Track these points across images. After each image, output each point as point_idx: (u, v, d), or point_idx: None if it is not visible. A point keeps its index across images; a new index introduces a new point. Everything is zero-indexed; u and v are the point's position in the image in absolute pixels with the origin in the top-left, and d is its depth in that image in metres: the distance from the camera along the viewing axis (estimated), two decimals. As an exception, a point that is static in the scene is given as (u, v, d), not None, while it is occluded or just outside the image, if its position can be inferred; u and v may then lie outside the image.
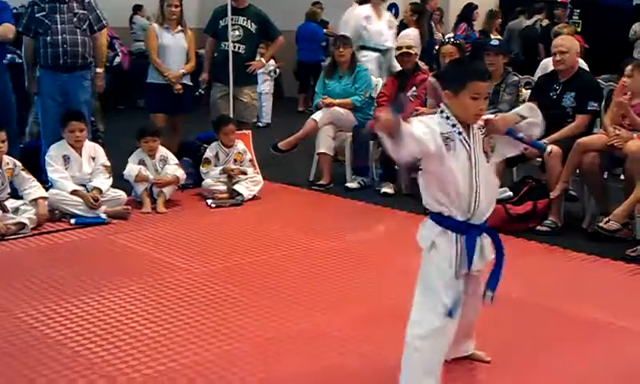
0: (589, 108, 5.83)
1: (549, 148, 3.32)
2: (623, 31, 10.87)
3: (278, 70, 11.37)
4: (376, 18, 8.12)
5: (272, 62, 10.50)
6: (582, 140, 5.60)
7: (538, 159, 5.62)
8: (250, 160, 6.76)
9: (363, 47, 7.99)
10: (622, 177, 5.61)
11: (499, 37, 10.83)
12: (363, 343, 3.61)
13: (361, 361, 3.45)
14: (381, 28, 8.11)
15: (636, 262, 4.91)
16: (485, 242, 2.95)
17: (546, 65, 7.42)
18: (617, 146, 5.45)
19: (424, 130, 2.76)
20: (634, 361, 3.50)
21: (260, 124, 9.81)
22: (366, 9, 8.13)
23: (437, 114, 2.92)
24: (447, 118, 2.87)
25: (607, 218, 5.25)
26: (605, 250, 5.10)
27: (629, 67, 5.75)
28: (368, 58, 7.89)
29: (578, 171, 5.70)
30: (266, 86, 10.86)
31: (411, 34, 8.04)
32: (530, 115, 2.90)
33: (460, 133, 2.84)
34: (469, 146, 2.84)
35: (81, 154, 6.01)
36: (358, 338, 3.68)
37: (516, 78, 6.46)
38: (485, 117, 2.92)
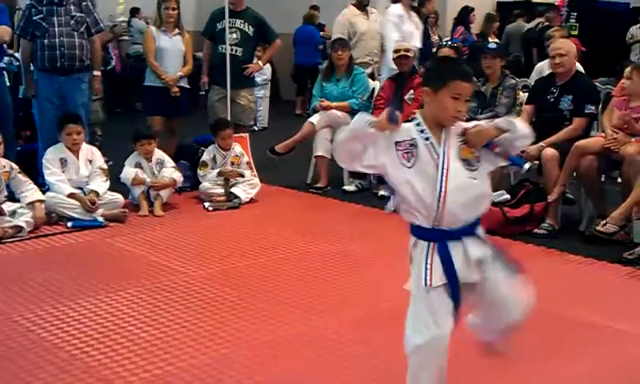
0: (586, 111, 5.83)
1: (526, 165, 3.16)
2: (620, 34, 10.89)
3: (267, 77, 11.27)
4: (408, 18, 8.04)
5: (268, 67, 10.50)
6: (579, 143, 5.60)
7: (535, 162, 5.62)
8: (248, 163, 6.76)
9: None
10: (619, 180, 5.62)
11: (497, 40, 10.86)
12: (360, 346, 3.61)
13: (358, 364, 3.45)
14: (412, 29, 8.04)
15: (633, 264, 4.91)
16: (471, 248, 2.75)
17: (541, 68, 7.43)
18: (614, 149, 5.45)
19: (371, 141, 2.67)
20: (632, 363, 3.50)
21: (255, 128, 9.78)
22: (398, 8, 8.04)
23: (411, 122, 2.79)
24: (417, 124, 2.75)
25: (604, 221, 5.26)
26: (602, 253, 5.10)
27: (628, 69, 5.75)
28: None
29: (575, 174, 5.70)
30: (261, 90, 10.85)
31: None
32: (508, 128, 2.73)
33: (427, 138, 2.71)
34: (436, 152, 2.70)
35: (78, 157, 6.00)
36: (355, 341, 3.68)
37: (513, 81, 6.47)
38: (464, 125, 2.78)
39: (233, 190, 6.45)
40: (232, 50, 7.30)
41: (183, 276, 4.63)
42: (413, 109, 6.77)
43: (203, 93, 7.69)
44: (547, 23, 10.57)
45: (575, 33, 10.07)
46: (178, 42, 7.13)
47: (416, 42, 8.00)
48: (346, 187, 7.06)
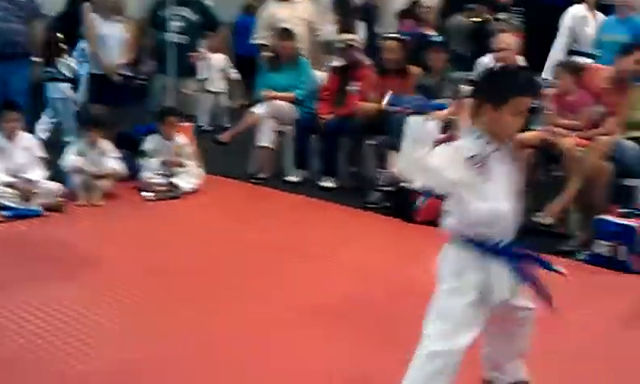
0: (527, 105, 5.91)
1: None
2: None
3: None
4: (592, 20, 7.37)
5: (223, 57, 10.38)
6: (518, 136, 5.66)
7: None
8: (191, 152, 6.69)
9: (575, 52, 7.09)
10: (558, 173, 5.71)
11: (440, 34, 10.93)
12: (300, 338, 3.60)
13: (295, 357, 3.44)
14: (593, 32, 7.25)
15: (569, 256, 5.01)
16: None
17: (485, 62, 7.50)
18: (553, 143, 5.54)
19: (445, 161, 2.58)
20: (565, 351, 3.55)
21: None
22: (582, 9, 7.45)
23: (467, 136, 2.70)
24: (480, 137, 2.66)
25: (542, 213, 5.34)
26: (539, 245, 5.16)
27: (557, 69, 5.87)
28: None
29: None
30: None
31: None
32: None
33: (495, 151, 2.65)
34: (503, 164, 2.68)
35: (15, 145, 5.87)
36: (295, 332, 3.67)
37: (457, 74, 6.53)
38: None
39: (174, 179, 6.38)
40: (176, 37, 7.22)
41: (122, 266, 4.57)
42: (358, 100, 6.83)
43: (146, 81, 7.58)
44: (489, 17, 10.67)
45: (517, 27, 10.16)
46: (120, 29, 7.02)
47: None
48: (289, 178, 7.05)
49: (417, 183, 2.74)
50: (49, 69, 7.41)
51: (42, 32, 6.87)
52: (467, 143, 2.66)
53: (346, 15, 7.93)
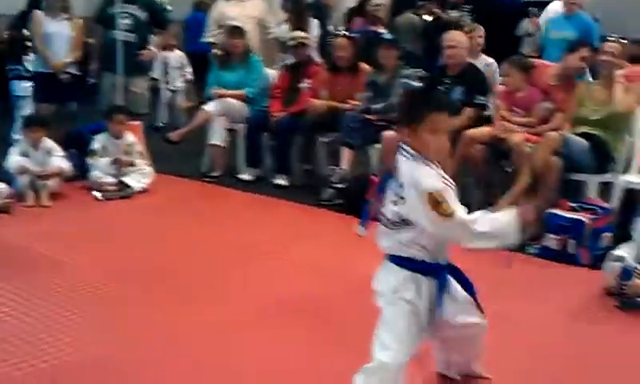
0: (476, 102, 5.98)
1: None
2: (513, 27, 11.20)
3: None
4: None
5: (180, 55, 10.27)
6: (468, 132, 5.74)
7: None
8: (140, 151, 6.60)
9: None
10: (508, 169, 5.78)
11: (391, 31, 10.98)
12: (258, 339, 3.57)
13: (254, 358, 3.41)
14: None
15: (520, 250, 5.05)
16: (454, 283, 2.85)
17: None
18: (503, 139, 5.61)
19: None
20: (515, 344, 3.60)
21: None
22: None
23: (428, 168, 2.67)
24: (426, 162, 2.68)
25: (493, 208, 5.38)
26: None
27: (506, 66, 5.95)
28: None
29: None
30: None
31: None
32: None
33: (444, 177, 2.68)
34: (449, 181, 2.71)
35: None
36: (254, 333, 3.63)
37: (408, 72, 6.56)
38: None
39: (124, 179, 6.29)
40: (125, 35, 7.12)
41: (71, 268, 4.48)
42: (309, 97, 6.82)
43: (94, 79, 7.47)
44: (440, 15, 10.74)
45: (469, 25, 10.25)
46: (67, 26, 6.90)
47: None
48: (242, 176, 7.01)
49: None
50: (14, 66, 7.27)
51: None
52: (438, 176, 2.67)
53: (297, 13, 7.90)
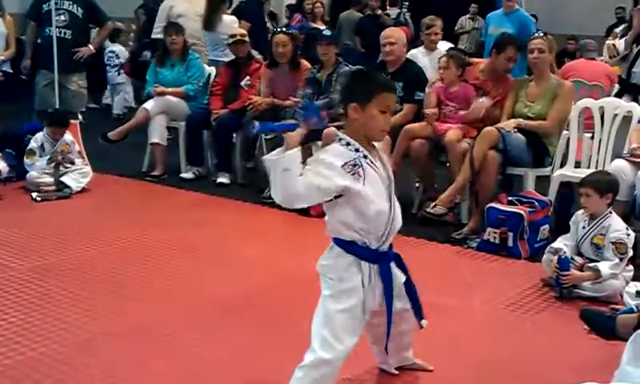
0: (415, 97, 6.04)
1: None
2: (451, 23, 11.38)
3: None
4: None
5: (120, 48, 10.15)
6: (408, 127, 5.80)
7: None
8: (79, 151, 6.49)
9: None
10: (448, 163, 5.86)
11: (331, 28, 11.03)
12: (194, 340, 3.54)
13: (193, 358, 3.39)
14: None
15: (461, 244, 5.15)
16: (397, 272, 2.87)
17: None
18: (440, 134, 5.68)
19: (326, 173, 2.63)
20: (453, 335, 3.64)
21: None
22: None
23: (335, 143, 2.72)
24: (347, 144, 2.71)
25: (434, 204, 5.47)
26: (433, 234, 5.31)
27: (443, 58, 6.03)
28: None
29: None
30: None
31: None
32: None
33: (365, 156, 2.69)
34: (377, 168, 2.71)
35: None
36: (188, 335, 3.60)
37: (347, 68, 6.58)
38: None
39: (63, 179, 6.18)
40: (60, 32, 6.99)
41: (9, 270, 4.38)
42: (250, 94, 6.79)
43: (26, 77, 7.30)
44: (379, 12, 10.84)
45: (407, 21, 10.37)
46: (0, 24, 6.74)
47: None
48: (183, 175, 6.96)
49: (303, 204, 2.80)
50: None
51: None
52: (334, 152, 2.70)
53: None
